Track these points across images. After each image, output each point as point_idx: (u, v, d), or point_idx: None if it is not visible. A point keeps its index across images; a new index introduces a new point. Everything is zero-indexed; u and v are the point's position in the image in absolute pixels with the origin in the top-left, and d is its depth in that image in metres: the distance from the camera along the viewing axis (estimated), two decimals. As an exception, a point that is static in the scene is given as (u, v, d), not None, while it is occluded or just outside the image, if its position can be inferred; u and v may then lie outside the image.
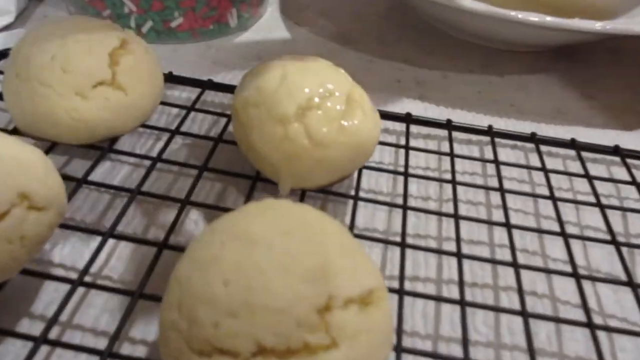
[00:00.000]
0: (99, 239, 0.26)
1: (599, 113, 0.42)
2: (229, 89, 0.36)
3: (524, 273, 0.27)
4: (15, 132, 0.29)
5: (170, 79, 0.36)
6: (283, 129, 0.26)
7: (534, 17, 0.39)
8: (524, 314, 0.24)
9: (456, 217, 0.28)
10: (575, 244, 0.29)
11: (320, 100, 0.26)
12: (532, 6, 0.53)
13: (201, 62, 0.43)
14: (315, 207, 0.30)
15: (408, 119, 0.35)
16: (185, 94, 0.38)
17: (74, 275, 0.24)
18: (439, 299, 0.25)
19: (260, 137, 0.26)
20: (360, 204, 0.31)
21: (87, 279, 0.25)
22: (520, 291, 0.25)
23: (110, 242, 0.27)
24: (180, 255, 0.20)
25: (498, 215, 0.31)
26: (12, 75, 0.27)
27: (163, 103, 0.34)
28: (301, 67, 0.28)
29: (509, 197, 0.31)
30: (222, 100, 0.37)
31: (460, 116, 0.40)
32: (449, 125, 0.35)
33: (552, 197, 0.30)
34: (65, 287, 0.23)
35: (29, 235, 0.21)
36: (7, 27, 0.43)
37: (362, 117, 0.27)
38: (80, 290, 0.25)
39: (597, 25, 0.38)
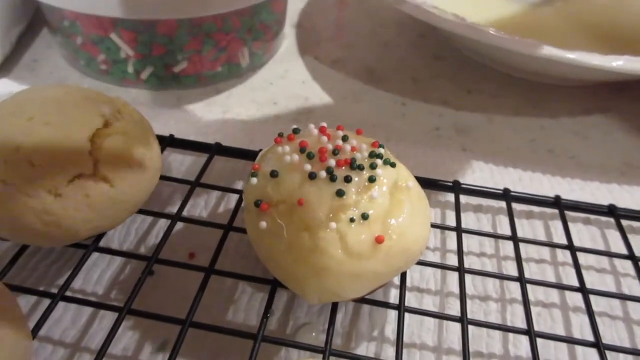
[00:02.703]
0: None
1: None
2: (241, 154, 0.31)
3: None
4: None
5: (172, 143, 0.31)
6: (311, 237, 0.20)
7: (596, 61, 0.33)
8: None
9: (530, 333, 0.22)
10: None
11: (357, 195, 0.21)
12: (580, 31, 0.47)
13: (209, 113, 0.37)
14: (348, 314, 0.25)
15: (457, 188, 0.29)
16: (190, 159, 0.32)
17: None
18: None
19: (281, 246, 0.20)
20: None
21: None
22: None
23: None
24: None
25: (580, 324, 0.25)
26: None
27: (162, 177, 0.28)
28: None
29: (593, 299, 0.25)
30: (234, 167, 0.32)
31: (513, 176, 0.33)
32: (507, 196, 0.29)
33: (648, 299, 0.24)
34: None
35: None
36: (-11, 77, 0.38)
37: (410, 211, 0.21)
38: None
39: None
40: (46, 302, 0.24)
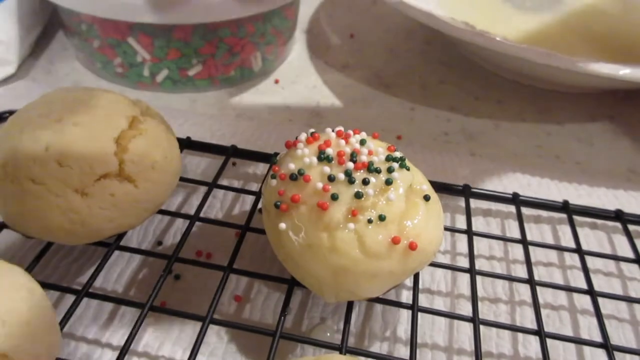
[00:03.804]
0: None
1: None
2: (256, 156, 0.31)
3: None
4: (4, 225, 0.25)
5: (189, 145, 0.31)
6: (329, 237, 0.21)
7: (604, 69, 0.34)
8: None
9: (540, 334, 0.23)
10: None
11: (375, 197, 0.21)
12: (584, 41, 0.47)
13: (223, 116, 0.38)
14: (361, 314, 0.26)
15: (467, 192, 0.30)
16: (206, 161, 0.33)
17: None
18: None
19: (300, 246, 0.21)
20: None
21: None
22: None
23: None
24: None
25: (588, 326, 0.25)
26: (-2, 165, 0.22)
27: (181, 179, 0.28)
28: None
29: (600, 302, 0.25)
30: (249, 170, 0.32)
31: (521, 181, 0.34)
32: (516, 201, 0.30)
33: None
34: None
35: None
36: (7, 80, 0.38)
37: (425, 213, 0.22)
38: None
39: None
40: (68, 298, 0.24)
